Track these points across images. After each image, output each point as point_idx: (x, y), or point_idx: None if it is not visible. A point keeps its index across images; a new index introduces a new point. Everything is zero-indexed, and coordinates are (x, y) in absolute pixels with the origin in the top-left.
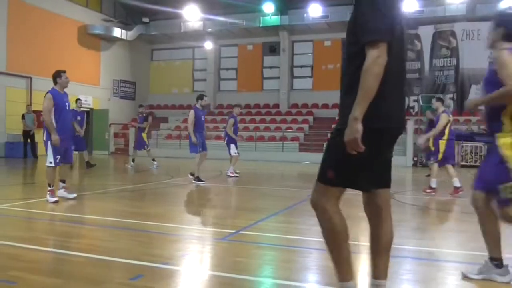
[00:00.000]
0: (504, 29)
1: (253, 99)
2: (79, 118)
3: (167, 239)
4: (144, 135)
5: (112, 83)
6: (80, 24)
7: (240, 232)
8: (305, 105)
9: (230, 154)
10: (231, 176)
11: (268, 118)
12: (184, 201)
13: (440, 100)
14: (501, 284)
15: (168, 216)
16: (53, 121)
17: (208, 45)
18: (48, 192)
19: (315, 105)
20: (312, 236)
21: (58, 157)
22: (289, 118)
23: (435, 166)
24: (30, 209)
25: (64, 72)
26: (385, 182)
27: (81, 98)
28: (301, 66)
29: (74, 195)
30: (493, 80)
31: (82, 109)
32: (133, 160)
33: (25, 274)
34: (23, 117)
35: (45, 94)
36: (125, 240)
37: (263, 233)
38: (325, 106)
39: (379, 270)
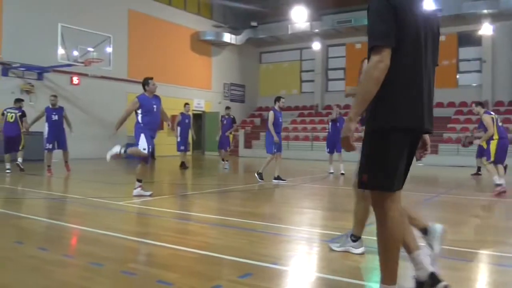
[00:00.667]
0: None
1: None
2: (187, 121)
3: (276, 239)
4: (231, 136)
5: (223, 86)
6: (193, 31)
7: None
8: None
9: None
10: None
11: None
12: (292, 202)
13: (479, 104)
14: None
15: (277, 216)
16: (140, 121)
17: (316, 45)
18: (139, 188)
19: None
20: (423, 241)
21: (150, 146)
22: None
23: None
24: (147, 206)
25: (152, 79)
26: (403, 181)
27: (188, 103)
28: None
29: (151, 192)
30: None
31: (193, 112)
32: (223, 160)
33: (143, 267)
34: None
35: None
36: (235, 239)
37: (373, 236)
38: (440, 104)
39: (411, 245)
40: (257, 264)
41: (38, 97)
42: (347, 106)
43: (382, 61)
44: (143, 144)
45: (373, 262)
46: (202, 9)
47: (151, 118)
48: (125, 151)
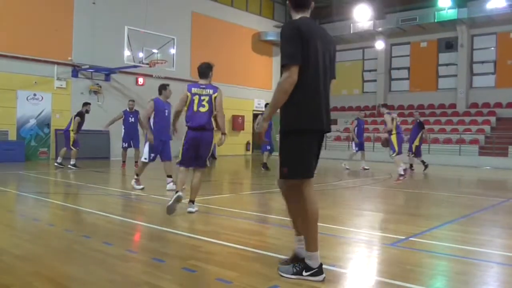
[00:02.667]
0: None
1: (427, 99)
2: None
3: (335, 241)
4: None
5: None
6: (254, 31)
7: (411, 238)
8: (486, 105)
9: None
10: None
11: (443, 119)
12: (352, 204)
13: (384, 105)
14: None
15: (337, 218)
16: (151, 124)
17: (379, 44)
18: (134, 181)
19: (499, 104)
20: (493, 249)
21: (152, 155)
22: (467, 119)
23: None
24: (208, 204)
25: (168, 85)
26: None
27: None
28: (482, 62)
29: (142, 186)
30: None
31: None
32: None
33: (203, 264)
34: None
35: (148, 101)
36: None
37: (436, 241)
38: (510, 105)
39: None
40: None
41: (106, 97)
42: (410, 106)
43: (290, 76)
44: (145, 154)
45: (435, 267)
46: (264, 9)
47: (161, 122)
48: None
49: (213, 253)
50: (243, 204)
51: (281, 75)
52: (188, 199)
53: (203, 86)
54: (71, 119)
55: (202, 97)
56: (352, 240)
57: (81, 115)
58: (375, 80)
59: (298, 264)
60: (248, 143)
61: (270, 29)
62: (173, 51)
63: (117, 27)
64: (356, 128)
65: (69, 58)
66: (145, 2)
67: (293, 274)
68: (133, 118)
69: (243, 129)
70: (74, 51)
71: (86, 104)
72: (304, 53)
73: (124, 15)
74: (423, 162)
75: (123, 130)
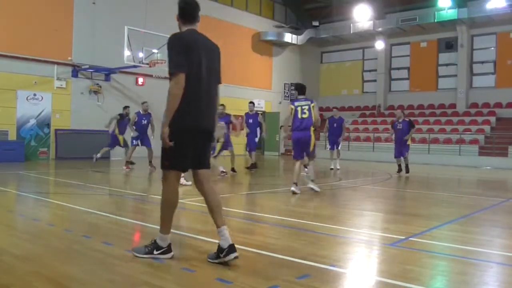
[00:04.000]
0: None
1: (427, 99)
2: (250, 121)
3: (336, 241)
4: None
5: (283, 86)
6: (254, 31)
7: (411, 239)
8: (486, 105)
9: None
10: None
11: (443, 119)
12: (352, 204)
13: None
14: None
15: (337, 218)
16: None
17: (379, 44)
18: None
19: (498, 104)
20: (493, 249)
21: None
22: (467, 119)
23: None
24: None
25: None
26: (202, 164)
27: (253, 102)
28: (482, 62)
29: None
30: None
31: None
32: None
33: (203, 264)
34: None
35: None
36: (294, 239)
37: (436, 241)
38: (510, 105)
39: (218, 222)
40: (316, 266)
41: (105, 97)
42: (410, 107)
43: (178, 82)
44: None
45: (435, 267)
46: (264, 9)
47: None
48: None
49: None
50: (243, 204)
51: (169, 82)
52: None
53: (304, 100)
54: (112, 123)
55: (304, 107)
56: (352, 240)
57: (121, 116)
58: (375, 80)
59: (149, 244)
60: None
61: (270, 29)
62: None
63: (117, 27)
64: (328, 127)
65: (69, 58)
66: (145, 2)
67: (146, 253)
68: (145, 120)
69: (242, 129)
70: (74, 51)
71: (126, 107)
72: (188, 61)
73: (124, 15)
74: (406, 165)
75: (133, 132)
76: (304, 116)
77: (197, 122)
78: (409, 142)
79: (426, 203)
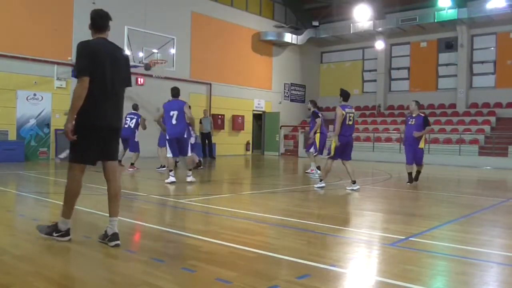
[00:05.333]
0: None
1: (427, 99)
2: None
3: (336, 241)
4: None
5: (283, 86)
6: (254, 31)
7: (411, 239)
8: (486, 105)
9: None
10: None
11: (443, 119)
12: (352, 204)
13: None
14: None
15: (337, 218)
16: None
17: (379, 44)
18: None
19: (498, 104)
20: (493, 249)
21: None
22: (467, 119)
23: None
24: (208, 204)
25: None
26: (108, 156)
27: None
28: (482, 62)
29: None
30: None
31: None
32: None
33: (203, 264)
34: (200, 121)
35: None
36: (294, 239)
37: (436, 241)
38: (510, 105)
39: (112, 211)
40: (315, 266)
41: None
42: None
43: (82, 85)
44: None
45: (435, 267)
46: (264, 9)
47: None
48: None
49: (213, 253)
50: (243, 204)
51: (76, 85)
52: (350, 181)
53: (350, 107)
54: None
55: (351, 115)
56: (352, 240)
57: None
58: (375, 80)
59: (51, 226)
60: (247, 143)
61: (270, 29)
62: (173, 51)
63: (117, 27)
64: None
65: (69, 58)
66: (145, 2)
67: (46, 234)
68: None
69: (243, 129)
70: (74, 51)
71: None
72: (93, 67)
73: (124, 15)
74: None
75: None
76: (350, 123)
77: (101, 121)
78: (422, 145)
79: (426, 203)
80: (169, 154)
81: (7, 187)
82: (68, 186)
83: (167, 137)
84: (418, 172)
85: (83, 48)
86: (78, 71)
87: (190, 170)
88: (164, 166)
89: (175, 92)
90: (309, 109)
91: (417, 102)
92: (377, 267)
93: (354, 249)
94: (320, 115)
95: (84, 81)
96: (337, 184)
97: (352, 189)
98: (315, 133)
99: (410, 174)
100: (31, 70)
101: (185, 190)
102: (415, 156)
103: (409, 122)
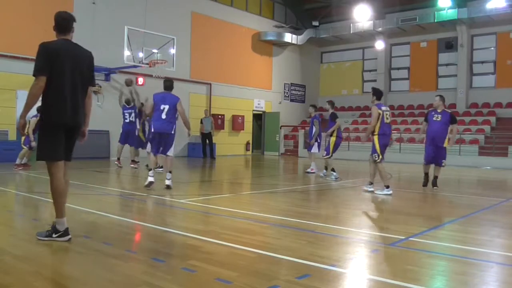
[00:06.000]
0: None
1: (427, 99)
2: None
3: (336, 241)
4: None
5: (283, 86)
6: (254, 31)
7: (410, 239)
8: (486, 105)
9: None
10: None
11: None
12: (353, 204)
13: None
14: None
15: (336, 218)
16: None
17: (379, 44)
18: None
19: (499, 104)
20: (493, 249)
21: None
22: (467, 119)
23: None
24: (208, 204)
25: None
26: (66, 156)
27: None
28: (482, 62)
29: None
30: None
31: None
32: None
33: (203, 264)
34: (201, 121)
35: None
36: (293, 239)
37: (436, 241)
38: (510, 105)
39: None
40: (315, 266)
41: (105, 97)
42: (410, 107)
43: (38, 84)
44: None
45: (435, 267)
46: (264, 9)
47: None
48: None
49: (213, 253)
50: (243, 204)
51: (33, 83)
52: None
53: (384, 105)
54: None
55: (387, 113)
56: (352, 240)
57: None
58: (375, 80)
59: (49, 229)
60: (248, 143)
61: (270, 29)
62: (173, 51)
63: (117, 27)
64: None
65: None
66: (145, 2)
67: (45, 237)
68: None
69: (243, 129)
70: None
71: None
72: (52, 67)
73: (124, 15)
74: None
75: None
76: (388, 121)
77: (61, 119)
78: (446, 144)
79: (426, 203)
80: (149, 150)
81: (7, 187)
82: (51, 186)
83: (152, 130)
84: (436, 177)
85: (42, 49)
86: (35, 71)
87: (170, 172)
88: (162, 166)
89: (168, 84)
90: (310, 113)
91: (441, 96)
92: (377, 267)
93: (354, 249)
94: (338, 116)
95: (40, 80)
96: (336, 185)
97: (385, 194)
98: (331, 135)
99: (426, 175)
100: (31, 70)
101: (185, 190)
102: (435, 155)
103: (434, 118)
